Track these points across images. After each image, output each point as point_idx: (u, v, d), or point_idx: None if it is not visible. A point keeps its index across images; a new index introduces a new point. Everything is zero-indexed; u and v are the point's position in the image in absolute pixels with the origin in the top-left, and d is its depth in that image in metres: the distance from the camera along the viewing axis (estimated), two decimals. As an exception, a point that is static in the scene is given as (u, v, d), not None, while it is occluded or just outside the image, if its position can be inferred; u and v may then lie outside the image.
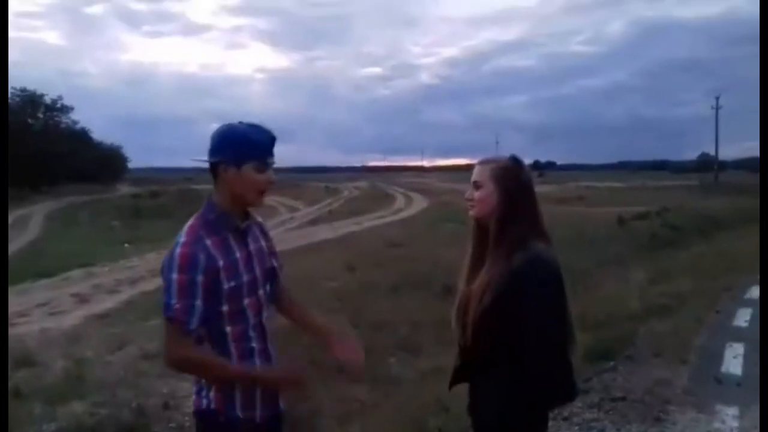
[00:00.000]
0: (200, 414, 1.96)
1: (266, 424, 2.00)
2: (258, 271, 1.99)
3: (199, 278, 1.83)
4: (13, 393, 4.52)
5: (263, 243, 2.07)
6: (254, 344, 1.97)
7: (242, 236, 1.98)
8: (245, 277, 1.94)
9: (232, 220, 1.95)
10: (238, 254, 1.93)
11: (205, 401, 1.94)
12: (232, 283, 1.89)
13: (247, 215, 2.02)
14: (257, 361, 1.98)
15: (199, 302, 1.83)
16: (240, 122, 1.94)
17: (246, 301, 1.94)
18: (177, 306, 1.81)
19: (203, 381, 1.94)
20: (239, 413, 1.94)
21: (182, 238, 1.86)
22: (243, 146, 1.89)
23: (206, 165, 1.94)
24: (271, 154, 1.94)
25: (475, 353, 2.02)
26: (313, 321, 2.23)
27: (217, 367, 1.90)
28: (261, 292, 2.00)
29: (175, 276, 1.82)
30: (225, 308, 1.88)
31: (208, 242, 1.87)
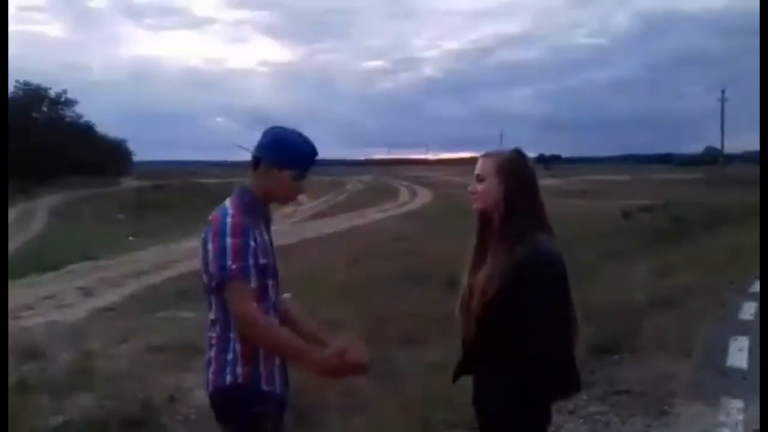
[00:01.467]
0: (224, 390, 2.00)
1: (282, 399, 2.10)
2: (276, 259, 2.11)
3: (252, 244, 1.95)
4: (20, 386, 4.54)
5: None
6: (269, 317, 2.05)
7: (267, 225, 2.13)
8: (271, 260, 2.05)
9: (263, 209, 2.11)
10: (266, 237, 2.07)
11: (229, 377, 1.98)
12: (264, 261, 1.99)
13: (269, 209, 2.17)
14: None
15: (252, 263, 1.94)
16: (294, 130, 2.11)
17: (270, 282, 2.04)
18: (234, 267, 1.90)
19: (229, 358, 1.98)
20: (264, 387, 2.01)
21: (230, 210, 1.99)
22: (291, 154, 2.06)
23: (248, 155, 2.09)
24: (310, 167, 2.12)
25: (479, 346, 2.02)
26: (310, 328, 2.28)
27: (274, 332, 1.97)
28: (278, 277, 2.12)
29: (229, 240, 1.92)
30: (254, 284, 1.95)
31: (249, 219, 2.00)
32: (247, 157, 2.12)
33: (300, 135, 2.09)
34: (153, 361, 5.21)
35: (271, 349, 2.00)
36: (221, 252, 1.91)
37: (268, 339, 1.98)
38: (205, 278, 2.02)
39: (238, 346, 1.98)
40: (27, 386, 4.55)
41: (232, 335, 1.99)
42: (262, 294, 2.00)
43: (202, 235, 2.02)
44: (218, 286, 1.93)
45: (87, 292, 10.91)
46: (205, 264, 1.98)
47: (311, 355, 1.96)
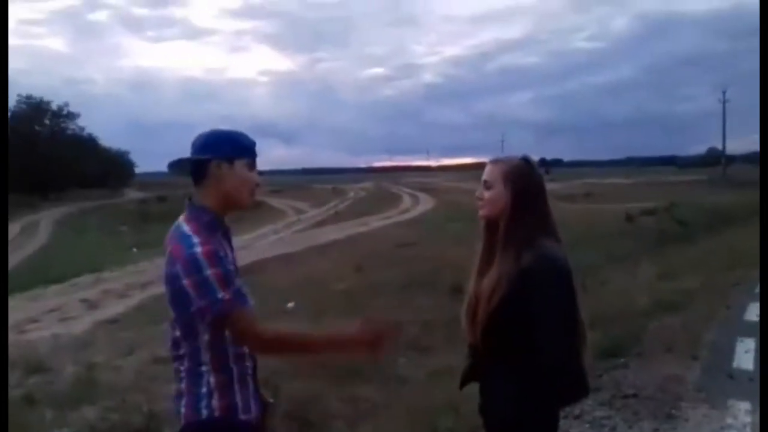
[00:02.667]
0: (198, 425, 1.89)
1: (258, 423, 1.99)
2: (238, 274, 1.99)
3: (231, 268, 1.84)
4: (26, 399, 4.54)
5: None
6: (246, 348, 1.95)
7: (228, 240, 1.98)
8: (239, 279, 1.93)
9: (221, 224, 1.94)
10: (231, 255, 1.94)
11: (205, 411, 1.87)
12: (238, 281, 1.89)
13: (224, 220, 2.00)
14: (248, 362, 1.95)
15: (238, 287, 1.82)
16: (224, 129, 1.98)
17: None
18: (226, 297, 1.77)
19: (203, 391, 1.87)
20: (242, 416, 1.91)
21: (195, 239, 1.81)
22: (235, 144, 1.92)
23: (185, 168, 1.95)
24: (256, 153, 1.98)
25: (486, 352, 2.01)
26: None
27: (300, 337, 1.91)
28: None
29: (209, 272, 1.76)
30: (249, 303, 1.89)
31: (215, 241, 1.85)
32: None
33: (230, 129, 1.98)
34: (158, 373, 5.19)
35: (300, 354, 1.97)
36: (204, 286, 1.77)
37: (295, 347, 1.95)
38: (174, 315, 1.88)
39: (212, 379, 1.87)
40: (32, 400, 4.55)
41: (204, 368, 1.87)
42: None
43: (165, 270, 1.85)
44: (214, 321, 1.80)
45: (91, 305, 10.94)
46: (177, 301, 1.84)
47: (344, 336, 1.93)
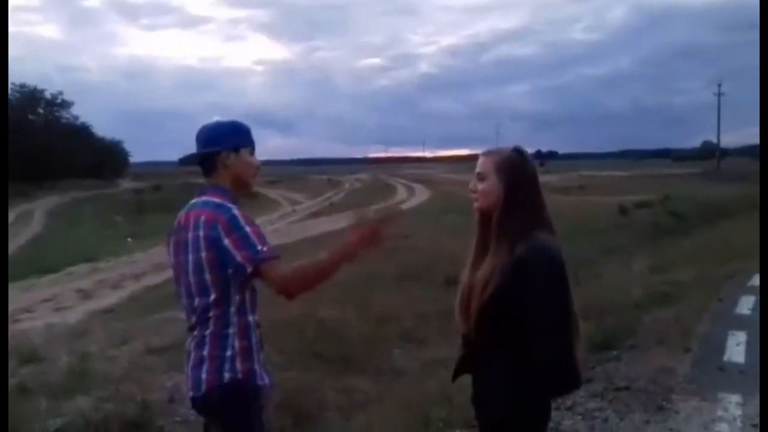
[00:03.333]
0: (223, 388, 2.01)
1: (271, 392, 2.15)
2: None
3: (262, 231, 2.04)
4: (19, 388, 4.54)
5: None
6: (254, 316, 2.12)
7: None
8: None
9: (238, 201, 2.14)
10: None
11: (228, 374, 2.00)
12: None
13: None
14: (254, 331, 2.09)
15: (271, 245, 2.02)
16: (218, 119, 2.22)
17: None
18: (264, 248, 1.98)
19: (227, 355, 2.01)
20: (259, 382, 2.06)
21: (230, 205, 2.04)
22: (237, 134, 2.16)
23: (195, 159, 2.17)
24: (254, 142, 2.21)
25: (479, 344, 2.02)
26: None
27: (320, 264, 2.05)
28: None
29: (248, 229, 1.99)
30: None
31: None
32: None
33: (229, 119, 2.21)
34: (152, 363, 5.21)
35: (323, 278, 2.07)
36: (245, 241, 1.97)
37: (315, 275, 2.05)
38: (192, 281, 2.05)
39: (237, 343, 2.02)
40: (26, 389, 4.55)
41: (230, 331, 2.02)
42: (249, 285, 2.08)
43: (199, 233, 2.02)
44: (255, 270, 1.97)
45: (86, 294, 10.92)
46: (215, 263, 2.00)
47: (344, 249, 2.08)
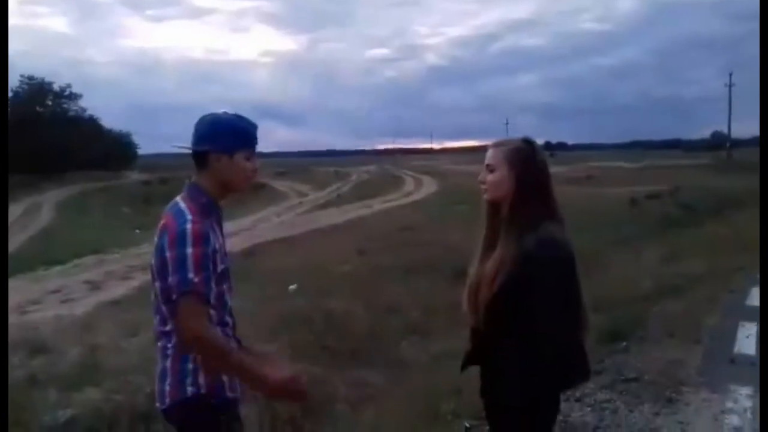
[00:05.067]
0: (185, 402, 1.90)
1: (238, 399, 2.03)
2: (229, 261, 2.02)
3: (210, 253, 1.86)
4: (29, 380, 4.56)
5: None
6: (229, 331, 2.00)
7: (220, 226, 2.02)
8: (227, 263, 1.97)
9: (217, 208, 2.00)
10: (221, 240, 1.98)
11: (190, 389, 1.89)
12: (222, 266, 1.92)
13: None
14: (233, 342, 2.00)
15: (211, 275, 1.85)
16: (225, 112, 2.00)
17: (226, 286, 1.97)
18: (196, 279, 1.80)
19: (188, 368, 1.89)
20: (228, 394, 1.95)
21: (188, 216, 1.86)
22: (234, 136, 1.95)
23: (188, 152, 1.99)
24: (257, 142, 2.01)
25: (487, 336, 2.01)
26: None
27: (227, 353, 1.85)
28: (230, 279, 2.03)
29: (190, 250, 1.81)
30: (214, 288, 1.88)
31: (206, 223, 1.90)
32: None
33: (235, 115, 2.00)
34: (161, 355, 5.21)
35: (222, 370, 1.91)
36: (181, 262, 1.80)
37: (222, 363, 1.87)
38: (157, 286, 1.91)
39: (197, 356, 1.88)
40: (35, 381, 4.57)
41: None
42: (219, 300, 1.92)
43: (156, 240, 1.90)
44: (178, 298, 1.82)
45: (94, 286, 10.97)
46: (160, 272, 1.87)
47: (269, 378, 1.87)
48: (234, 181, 1.99)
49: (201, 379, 1.89)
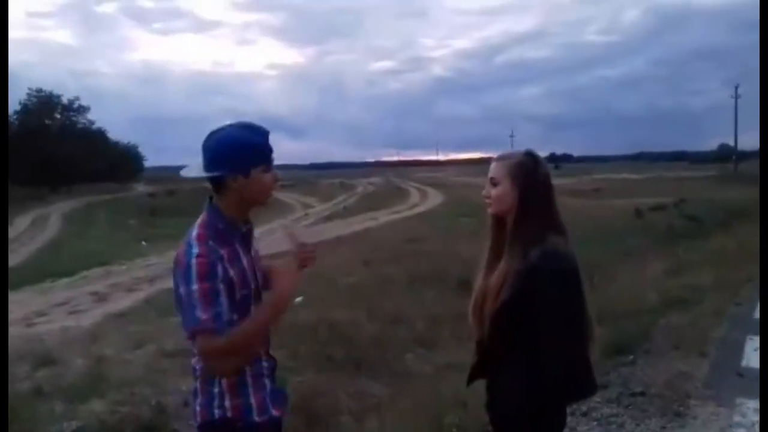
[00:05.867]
0: (212, 425, 1.90)
1: (278, 420, 2.00)
2: (259, 276, 1.99)
3: (220, 286, 1.79)
4: (35, 391, 4.58)
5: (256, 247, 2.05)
6: (259, 348, 1.97)
7: (246, 241, 1.96)
8: (252, 284, 1.93)
9: (239, 227, 1.93)
10: (245, 262, 1.91)
11: (218, 411, 1.88)
12: (244, 292, 1.88)
13: (247, 218, 1.99)
14: (264, 362, 1.97)
15: (224, 309, 1.79)
16: (230, 125, 1.90)
17: (253, 308, 1.92)
18: (204, 317, 1.75)
19: (216, 391, 1.88)
20: (256, 418, 1.91)
21: (195, 249, 1.80)
22: (247, 153, 1.84)
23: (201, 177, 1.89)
24: (271, 151, 1.91)
25: (493, 349, 2.01)
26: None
27: (251, 330, 1.85)
28: (261, 297, 1.99)
29: (195, 287, 1.76)
30: (235, 317, 1.84)
31: (222, 252, 1.83)
32: None
33: (242, 126, 1.89)
34: (167, 367, 5.22)
35: (258, 343, 1.91)
36: (188, 301, 1.77)
37: (251, 344, 1.89)
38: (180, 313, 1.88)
39: (224, 380, 1.88)
40: (41, 392, 4.58)
41: None
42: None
43: (173, 275, 1.87)
44: (189, 338, 1.82)
45: (101, 298, 10.98)
46: (179, 307, 1.85)
47: (274, 305, 1.89)
48: (253, 198, 1.91)
49: (227, 402, 1.88)
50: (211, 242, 1.82)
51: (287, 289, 1.92)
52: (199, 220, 1.90)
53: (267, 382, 1.97)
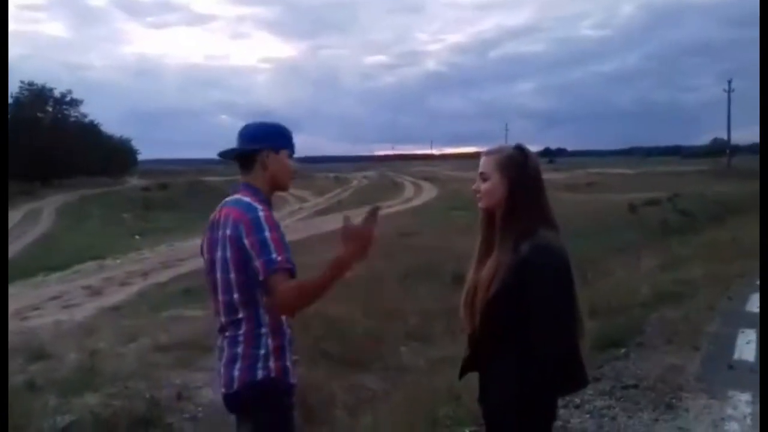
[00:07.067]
0: (256, 385, 2.03)
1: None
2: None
3: (284, 237, 2.02)
4: (28, 385, 4.56)
5: None
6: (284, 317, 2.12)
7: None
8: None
9: (271, 203, 2.18)
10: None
11: (262, 372, 2.02)
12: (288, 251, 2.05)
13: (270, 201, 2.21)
14: (287, 329, 2.11)
15: (291, 254, 1.99)
16: (263, 122, 2.23)
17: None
18: (280, 258, 1.95)
19: (260, 354, 2.03)
20: (291, 380, 2.09)
21: (257, 206, 2.05)
22: (281, 135, 2.20)
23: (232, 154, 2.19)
24: (294, 146, 2.23)
25: (484, 342, 2.01)
26: None
27: (320, 282, 1.98)
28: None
29: (268, 234, 1.98)
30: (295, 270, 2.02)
31: (272, 212, 2.09)
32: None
33: (273, 122, 2.23)
34: (160, 360, 5.22)
35: (325, 291, 2.02)
36: (263, 246, 1.96)
37: (319, 294, 2.01)
38: (233, 277, 2.03)
39: (270, 341, 2.04)
40: (35, 386, 4.56)
41: (263, 330, 2.03)
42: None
43: (226, 232, 2.03)
44: (265, 278, 1.95)
45: (94, 292, 10.97)
46: (237, 263, 2.00)
47: (337, 264, 2.00)
48: (280, 177, 2.18)
49: (272, 364, 2.04)
50: (264, 204, 2.09)
51: (352, 254, 2.02)
52: (238, 195, 2.12)
53: (291, 349, 2.13)
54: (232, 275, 2.03)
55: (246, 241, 1.97)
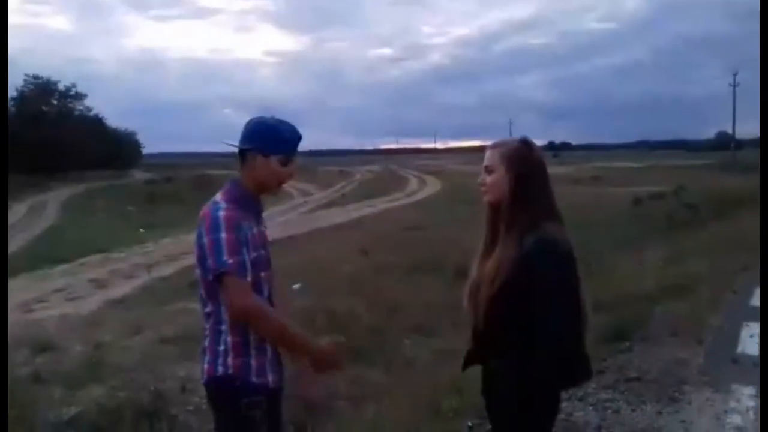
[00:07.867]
0: (215, 381, 2.06)
1: (275, 391, 2.14)
2: (268, 251, 2.17)
3: (243, 239, 2.00)
4: (34, 377, 4.59)
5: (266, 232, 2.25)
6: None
7: (258, 218, 2.17)
8: (262, 251, 2.11)
9: (254, 202, 2.15)
10: (256, 230, 2.11)
11: (221, 368, 2.04)
12: (254, 254, 2.04)
13: (260, 200, 2.20)
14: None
15: (246, 259, 1.98)
16: (272, 117, 2.16)
17: (263, 274, 2.09)
18: (230, 261, 1.94)
19: (221, 349, 2.04)
20: (254, 378, 2.05)
21: (222, 204, 2.03)
22: (273, 140, 2.10)
23: (234, 149, 2.16)
24: (295, 151, 2.16)
25: (488, 335, 2.02)
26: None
27: (277, 321, 2.03)
28: (270, 269, 2.17)
29: (223, 235, 1.96)
30: (249, 278, 2.00)
31: (240, 212, 2.04)
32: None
33: (281, 121, 2.15)
34: (164, 353, 5.24)
35: (273, 338, 2.07)
36: (216, 246, 1.96)
37: (272, 329, 2.04)
38: (199, 272, 2.06)
39: (229, 339, 2.04)
40: (40, 378, 4.59)
41: (223, 327, 2.05)
42: (255, 287, 2.04)
43: (197, 230, 2.04)
44: (215, 279, 1.97)
45: (99, 284, 11.02)
46: (200, 258, 2.01)
47: (312, 345, 2.11)
48: (265, 182, 2.13)
49: (230, 361, 2.04)
50: (233, 204, 2.05)
51: (317, 362, 2.14)
52: (221, 189, 2.13)
53: (269, 348, 2.10)
54: (198, 270, 2.06)
55: (204, 240, 1.98)
